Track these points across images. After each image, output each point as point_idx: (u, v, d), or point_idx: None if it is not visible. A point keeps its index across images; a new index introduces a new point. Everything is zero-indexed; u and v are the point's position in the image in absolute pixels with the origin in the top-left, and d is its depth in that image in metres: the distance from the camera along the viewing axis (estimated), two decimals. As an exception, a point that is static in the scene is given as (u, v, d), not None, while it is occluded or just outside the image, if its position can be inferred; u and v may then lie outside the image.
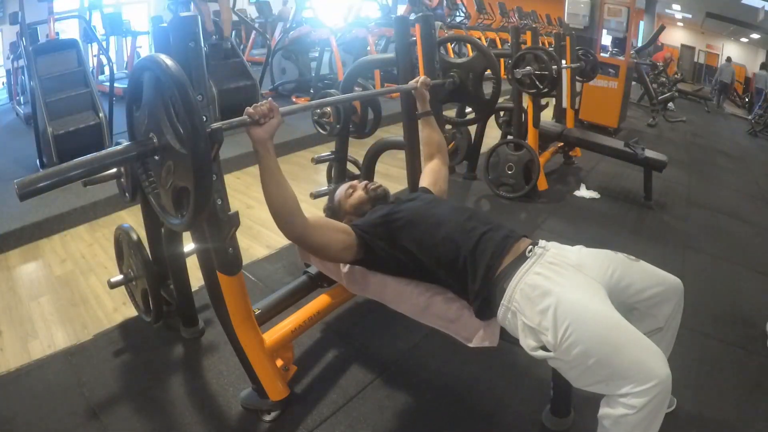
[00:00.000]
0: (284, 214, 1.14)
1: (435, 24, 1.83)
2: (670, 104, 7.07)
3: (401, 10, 5.79)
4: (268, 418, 1.39)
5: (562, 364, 1.05)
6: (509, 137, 3.30)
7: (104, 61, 5.13)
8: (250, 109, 1.08)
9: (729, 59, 10.96)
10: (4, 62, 6.08)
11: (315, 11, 5.74)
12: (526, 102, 3.20)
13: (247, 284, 1.36)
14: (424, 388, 1.54)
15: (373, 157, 2.12)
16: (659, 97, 6.53)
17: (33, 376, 1.56)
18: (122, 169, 1.57)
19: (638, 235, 2.77)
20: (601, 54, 5.14)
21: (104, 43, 5.67)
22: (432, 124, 1.67)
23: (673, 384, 0.96)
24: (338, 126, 1.98)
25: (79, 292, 2.06)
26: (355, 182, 1.57)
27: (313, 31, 5.19)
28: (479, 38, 6.78)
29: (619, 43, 5.21)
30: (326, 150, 2.18)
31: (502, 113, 3.70)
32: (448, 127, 3.08)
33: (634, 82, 5.87)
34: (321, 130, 2.06)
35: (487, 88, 1.89)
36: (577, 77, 4.13)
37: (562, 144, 3.72)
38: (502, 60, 4.10)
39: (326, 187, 2.24)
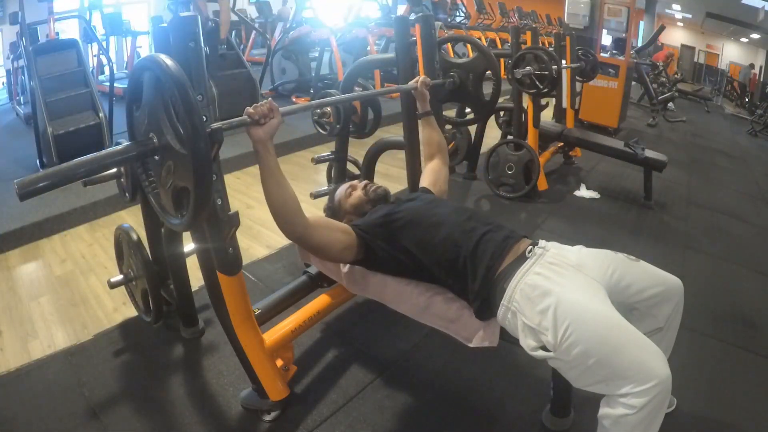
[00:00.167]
0: (284, 214, 1.13)
1: (435, 24, 1.83)
2: (670, 104, 7.07)
3: (401, 10, 5.79)
4: (268, 418, 1.39)
5: (562, 364, 1.05)
6: (509, 137, 3.30)
7: (104, 61, 5.13)
8: (250, 109, 1.08)
9: (752, 65, 11.97)
10: (4, 62, 6.07)
11: (315, 11, 5.73)
12: (526, 102, 3.20)
13: (247, 284, 1.36)
14: (424, 388, 1.54)
15: (373, 157, 2.12)
16: (659, 97, 6.53)
17: (33, 376, 1.56)
18: (122, 169, 1.57)
19: (638, 235, 2.77)
20: (601, 54, 5.14)
21: (104, 43, 5.67)
22: (432, 124, 1.67)
23: (673, 384, 0.96)
24: (338, 126, 1.98)
25: (79, 292, 2.06)
26: (355, 182, 1.57)
27: (313, 31, 5.19)
28: (479, 38, 6.78)
29: (619, 43, 5.21)
30: (326, 150, 2.18)
31: (502, 113, 3.70)
32: (448, 127, 3.08)
33: (634, 82, 5.87)
34: (321, 130, 2.06)
35: (487, 88, 1.89)
36: (577, 77, 4.13)
37: (562, 144, 3.72)
38: (502, 60, 4.10)
39: (326, 187, 2.24)
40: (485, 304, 1.17)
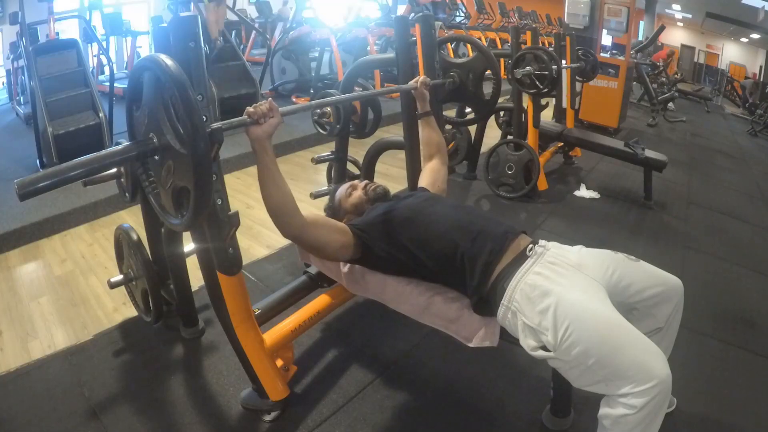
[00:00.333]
0: (282, 214, 1.14)
1: (435, 24, 1.83)
2: (670, 104, 7.07)
3: (401, 10, 5.79)
4: (268, 418, 1.39)
5: (562, 364, 1.05)
6: (509, 137, 3.30)
7: (104, 61, 5.14)
8: (250, 109, 1.08)
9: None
10: (4, 62, 6.07)
11: (315, 11, 5.73)
12: (526, 102, 3.20)
13: (247, 284, 1.36)
14: (424, 388, 1.54)
15: (373, 157, 2.12)
16: (659, 97, 6.53)
17: (33, 376, 1.56)
18: (122, 169, 1.57)
19: (638, 235, 2.77)
20: (601, 54, 5.14)
21: (104, 43, 5.67)
22: (432, 124, 1.67)
23: (673, 384, 0.96)
24: (338, 126, 1.98)
25: (79, 292, 2.06)
26: (355, 182, 1.57)
27: (313, 31, 5.20)
28: (479, 38, 6.78)
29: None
30: (326, 150, 2.18)
31: (502, 113, 3.69)
32: (448, 127, 3.08)
33: (634, 82, 5.86)
34: (321, 130, 2.06)
35: (487, 88, 1.89)
36: (577, 77, 4.13)
37: (562, 144, 3.72)
38: (502, 60, 4.10)
39: (326, 187, 2.24)
40: (483, 300, 1.17)
